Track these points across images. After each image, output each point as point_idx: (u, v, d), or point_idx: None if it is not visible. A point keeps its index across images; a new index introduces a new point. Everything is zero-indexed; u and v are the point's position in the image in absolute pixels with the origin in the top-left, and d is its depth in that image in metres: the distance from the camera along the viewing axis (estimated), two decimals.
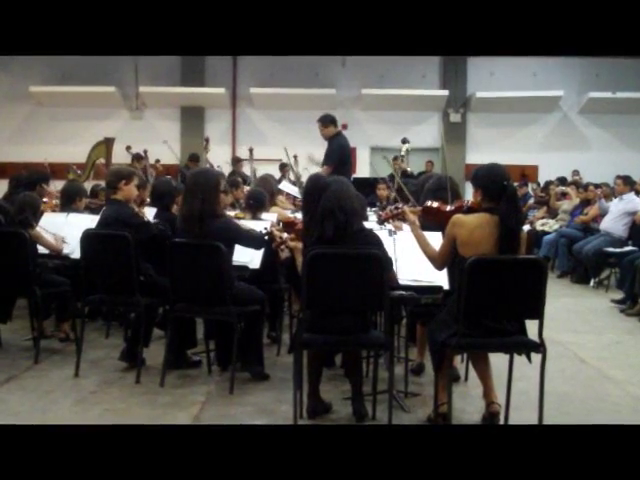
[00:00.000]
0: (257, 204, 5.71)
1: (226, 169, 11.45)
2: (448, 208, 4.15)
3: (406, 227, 4.41)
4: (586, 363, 5.40)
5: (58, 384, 4.58)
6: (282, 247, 4.89)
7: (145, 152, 11.83)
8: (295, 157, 11.25)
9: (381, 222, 4.43)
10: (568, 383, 4.80)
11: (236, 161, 12.25)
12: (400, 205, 4.43)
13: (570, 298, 8.33)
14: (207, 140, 12.03)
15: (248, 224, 5.02)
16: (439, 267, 3.96)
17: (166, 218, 5.49)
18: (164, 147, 10.17)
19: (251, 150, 11.38)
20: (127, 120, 15.08)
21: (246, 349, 4.64)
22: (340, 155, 7.51)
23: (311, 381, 4.06)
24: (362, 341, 3.89)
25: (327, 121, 7.71)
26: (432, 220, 4.23)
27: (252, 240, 4.71)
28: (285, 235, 4.97)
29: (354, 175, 9.19)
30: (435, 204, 4.22)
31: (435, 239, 4.08)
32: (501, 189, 3.73)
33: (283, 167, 11.99)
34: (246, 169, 11.73)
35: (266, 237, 4.75)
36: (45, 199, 6.40)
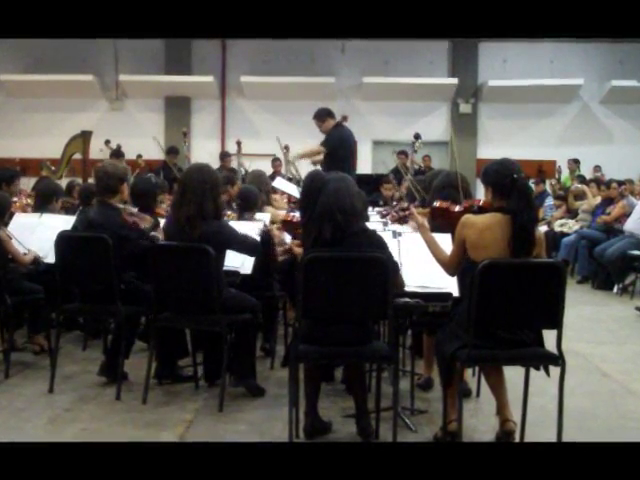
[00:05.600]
0: (246, 204, 5.71)
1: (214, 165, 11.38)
2: (457, 208, 4.15)
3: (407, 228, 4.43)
4: (609, 376, 5.41)
5: (31, 401, 4.57)
6: (282, 249, 4.93)
7: (119, 147, 11.83)
8: (286, 148, 10.85)
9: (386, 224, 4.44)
10: (589, 398, 4.81)
11: (224, 156, 12.24)
12: (405, 205, 4.44)
13: (591, 306, 8.35)
14: (185, 133, 11.98)
15: (241, 225, 5.02)
16: (451, 273, 3.96)
17: None
18: (146, 141, 10.11)
19: (239, 143, 11.33)
20: (106, 111, 15.08)
21: (237, 362, 4.64)
22: (335, 145, 7.48)
23: (309, 396, 4.04)
24: (364, 353, 3.87)
25: (323, 115, 7.67)
26: (441, 221, 4.24)
27: (247, 246, 4.73)
28: (286, 235, 4.99)
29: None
30: (444, 204, 4.22)
31: (445, 241, 4.08)
32: (511, 183, 3.72)
33: (275, 162, 11.95)
34: (234, 164, 11.70)
35: (260, 237, 4.77)
36: (15, 198, 6.37)
